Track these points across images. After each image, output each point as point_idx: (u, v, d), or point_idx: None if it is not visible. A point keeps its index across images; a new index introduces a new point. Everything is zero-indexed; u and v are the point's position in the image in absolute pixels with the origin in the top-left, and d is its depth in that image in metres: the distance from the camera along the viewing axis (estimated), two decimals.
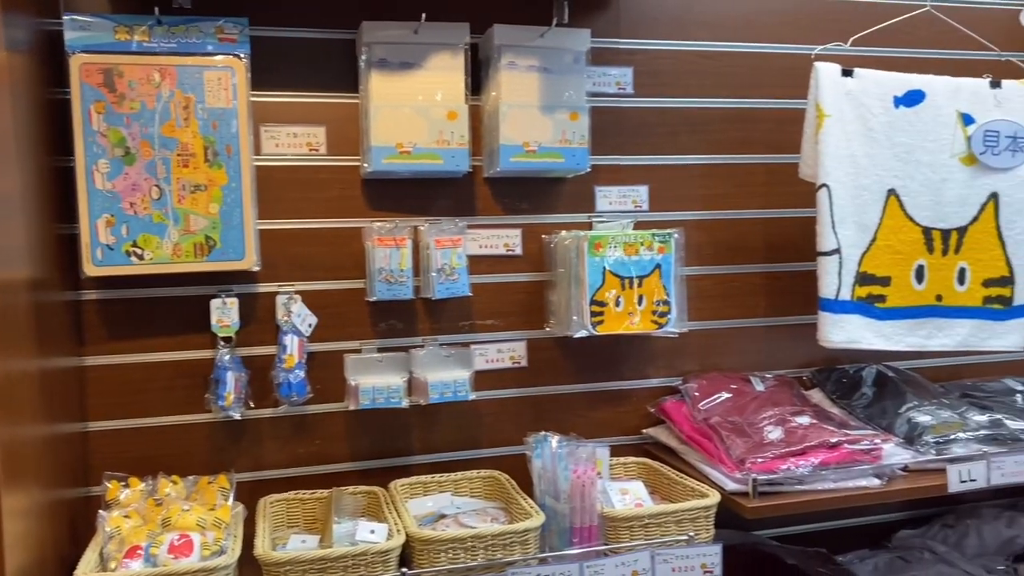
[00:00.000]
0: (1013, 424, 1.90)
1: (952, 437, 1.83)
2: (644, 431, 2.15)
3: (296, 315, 1.82)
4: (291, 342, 1.81)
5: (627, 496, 1.74)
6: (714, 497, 1.73)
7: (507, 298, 2.07)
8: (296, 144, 1.92)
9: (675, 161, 2.18)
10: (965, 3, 2.33)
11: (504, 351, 2.07)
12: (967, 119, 2.05)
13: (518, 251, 2.07)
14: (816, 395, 2.18)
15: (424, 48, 1.87)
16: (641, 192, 2.15)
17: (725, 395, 2.04)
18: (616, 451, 2.10)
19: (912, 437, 1.86)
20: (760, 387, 2.09)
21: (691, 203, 2.19)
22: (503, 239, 2.06)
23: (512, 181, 2.05)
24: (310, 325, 1.86)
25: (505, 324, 2.07)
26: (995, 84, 2.07)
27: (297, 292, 1.88)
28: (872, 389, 2.12)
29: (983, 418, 1.93)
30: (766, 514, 1.71)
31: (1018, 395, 2.18)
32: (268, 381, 1.86)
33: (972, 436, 1.84)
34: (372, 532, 1.62)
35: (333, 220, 1.94)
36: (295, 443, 1.95)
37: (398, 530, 1.61)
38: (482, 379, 2.03)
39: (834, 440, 1.77)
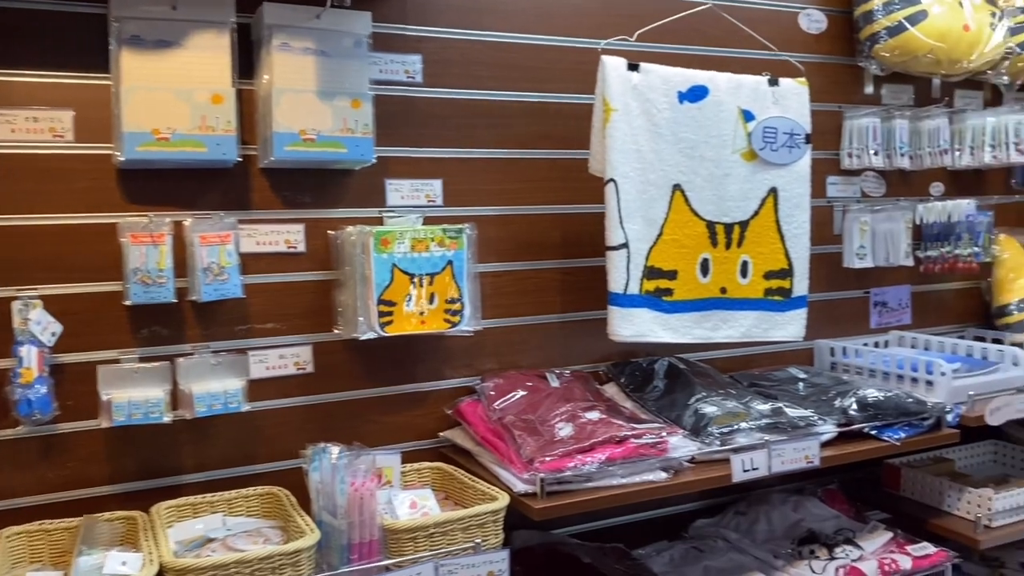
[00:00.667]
0: (792, 412, 1.96)
1: (736, 427, 1.86)
2: (441, 434, 2.07)
3: (35, 323, 1.61)
4: (28, 353, 1.59)
5: (415, 506, 1.65)
6: (502, 500, 1.67)
7: (290, 299, 1.93)
8: (37, 129, 1.70)
9: (470, 154, 2.11)
10: (747, 3, 2.40)
11: (288, 356, 1.93)
12: (748, 116, 2.10)
13: (301, 248, 1.93)
14: (610, 389, 2.18)
15: (185, 26, 1.70)
16: (435, 186, 2.07)
17: (521, 393, 1.99)
18: (412, 456, 2.02)
19: (698, 428, 1.88)
20: (555, 383, 2.06)
21: (487, 198, 2.14)
22: (284, 235, 1.92)
23: (293, 173, 1.91)
24: (53, 334, 1.65)
25: (289, 327, 1.93)
26: (773, 82, 2.14)
27: (38, 297, 1.66)
28: (664, 381, 2.14)
29: (766, 407, 1.99)
30: (554, 514, 1.67)
31: (800, 383, 2.27)
32: (4, 398, 1.63)
33: (755, 425, 1.88)
34: (124, 564, 1.45)
35: (82, 215, 1.73)
36: (43, 467, 1.73)
37: (151, 560, 1.44)
38: (263, 388, 1.89)
39: (621, 435, 1.76)
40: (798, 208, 2.16)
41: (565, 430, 1.82)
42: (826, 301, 2.60)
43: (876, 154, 2.51)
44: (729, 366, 2.45)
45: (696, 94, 2.05)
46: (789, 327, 2.17)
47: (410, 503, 1.64)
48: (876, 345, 2.65)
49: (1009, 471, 2.64)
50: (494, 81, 2.12)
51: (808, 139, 2.16)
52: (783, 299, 2.16)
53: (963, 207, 2.53)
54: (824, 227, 2.58)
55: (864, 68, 2.55)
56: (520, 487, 1.70)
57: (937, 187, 2.76)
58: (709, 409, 1.94)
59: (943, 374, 2.19)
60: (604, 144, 1.97)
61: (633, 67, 2.00)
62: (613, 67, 1.97)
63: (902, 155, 2.56)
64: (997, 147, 2.62)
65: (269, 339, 1.91)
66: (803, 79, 2.17)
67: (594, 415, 1.86)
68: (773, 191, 2.14)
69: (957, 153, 2.70)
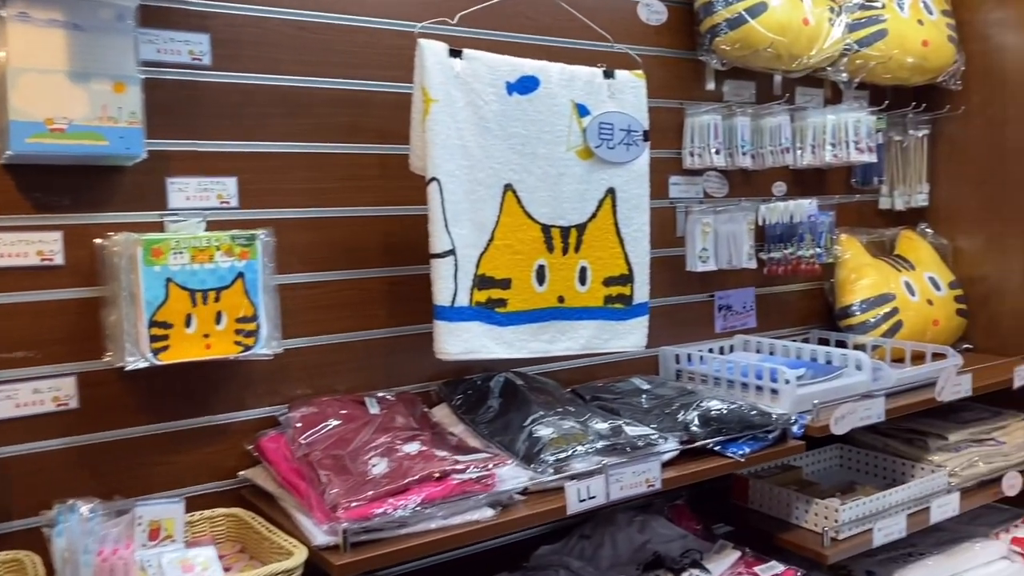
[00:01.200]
0: (632, 431, 1.80)
1: (572, 451, 1.68)
2: (240, 474, 1.79)
3: None
4: None
5: (189, 569, 1.38)
6: (299, 555, 1.42)
7: (46, 322, 1.61)
8: None
9: (271, 148, 1.85)
10: None
11: (44, 391, 1.61)
12: (582, 110, 1.93)
13: (59, 260, 1.61)
14: (441, 412, 1.97)
15: None
16: (228, 185, 1.79)
17: (333, 423, 1.75)
18: (207, 501, 1.74)
19: (531, 455, 1.69)
20: (375, 410, 1.82)
21: (293, 198, 1.87)
22: (36, 245, 1.59)
23: (44, 170, 1.59)
24: None
25: (45, 356, 1.61)
26: (609, 74, 1.97)
27: None
28: (499, 400, 1.94)
29: (605, 426, 1.82)
30: (362, 569, 1.43)
31: (644, 395, 2.12)
32: None
33: (592, 448, 1.71)
34: None
35: None
36: None
37: None
38: (12, 429, 1.57)
39: (441, 471, 1.54)
40: (637, 210, 2.01)
41: (379, 467, 1.58)
42: (671, 306, 2.48)
43: (718, 153, 2.41)
44: (573, 378, 2.29)
45: (526, 85, 1.86)
46: (631, 336, 2.02)
47: (183, 566, 1.36)
48: (721, 350, 2.55)
49: (855, 476, 2.61)
50: (299, 66, 1.86)
51: (646, 136, 2.01)
52: (624, 307, 2.00)
53: (805, 207, 2.46)
54: (667, 229, 2.45)
55: (705, 63, 2.44)
56: (321, 539, 1.46)
57: (780, 187, 2.69)
58: (544, 432, 1.76)
59: (787, 382, 2.10)
60: (425, 138, 1.75)
61: (455, 53, 1.78)
62: (432, 53, 1.75)
63: (744, 154, 2.47)
64: (837, 145, 2.58)
65: (18, 371, 1.58)
66: (640, 71, 2.02)
67: (413, 447, 1.64)
68: (611, 192, 1.98)
69: (799, 152, 2.65)
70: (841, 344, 2.70)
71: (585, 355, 2.18)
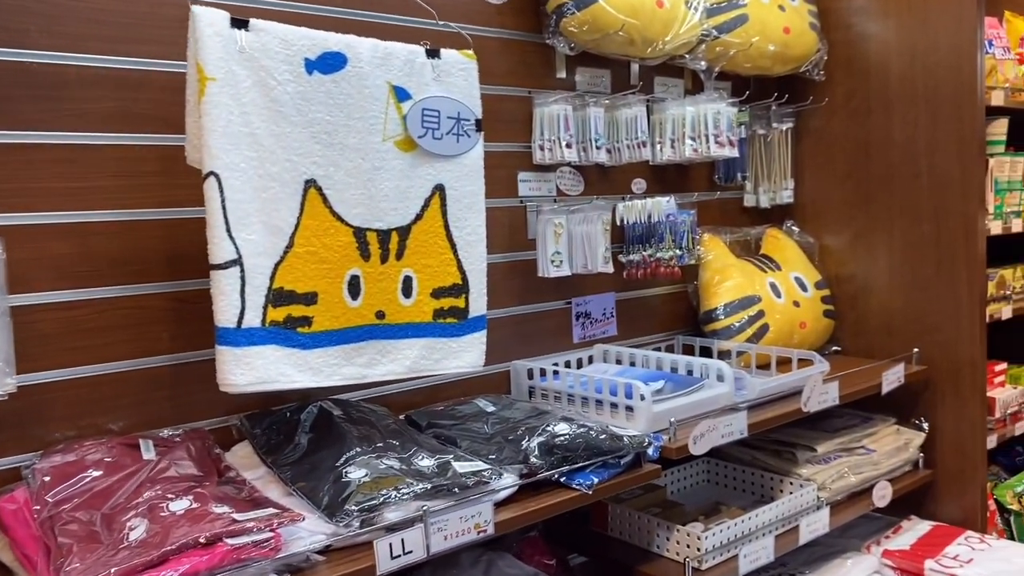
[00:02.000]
0: (462, 467, 1.55)
1: (383, 498, 1.41)
2: None
3: None
4: None
5: None
6: None
7: None
8: None
9: (15, 140, 1.50)
10: None
11: None
12: (402, 94, 1.67)
13: None
14: (241, 451, 1.67)
15: None
16: None
17: (93, 475, 1.42)
18: None
19: (335, 506, 1.41)
20: (150, 454, 1.51)
21: (46, 200, 1.54)
22: None
23: None
24: None
25: None
26: (433, 53, 1.71)
27: None
28: (309, 436, 1.66)
29: (430, 462, 1.56)
30: None
31: (488, 419, 1.88)
32: None
33: (410, 492, 1.44)
34: None
35: None
36: None
37: None
38: None
39: (212, 534, 1.24)
40: (471, 210, 1.76)
41: (137, 531, 1.27)
42: (524, 315, 2.25)
43: (569, 147, 2.19)
44: (411, 401, 2.02)
45: (330, 64, 1.58)
46: (466, 355, 1.77)
47: None
48: (580, 362, 2.33)
49: (724, 493, 2.44)
50: (52, 38, 1.53)
51: (479, 126, 1.76)
52: (458, 321, 1.75)
53: (663, 206, 2.27)
54: (517, 231, 2.22)
55: (555, 47, 2.21)
56: None
57: (639, 184, 2.50)
58: (355, 474, 1.48)
59: (643, 399, 1.89)
60: (200, 124, 1.44)
61: (240, 24, 1.49)
62: (209, 22, 1.45)
63: (598, 148, 2.26)
64: (697, 139, 2.40)
65: None
66: (470, 52, 1.77)
67: (182, 504, 1.33)
68: (439, 189, 1.72)
69: (658, 146, 2.46)
70: (706, 350, 2.53)
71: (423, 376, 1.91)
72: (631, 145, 2.31)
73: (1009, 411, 2.96)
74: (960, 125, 2.48)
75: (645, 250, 2.33)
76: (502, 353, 2.19)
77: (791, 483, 2.27)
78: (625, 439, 1.74)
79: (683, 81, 2.60)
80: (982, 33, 2.46)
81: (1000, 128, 2.96)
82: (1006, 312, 2.86)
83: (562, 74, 2.30)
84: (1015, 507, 2.94)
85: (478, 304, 1.77)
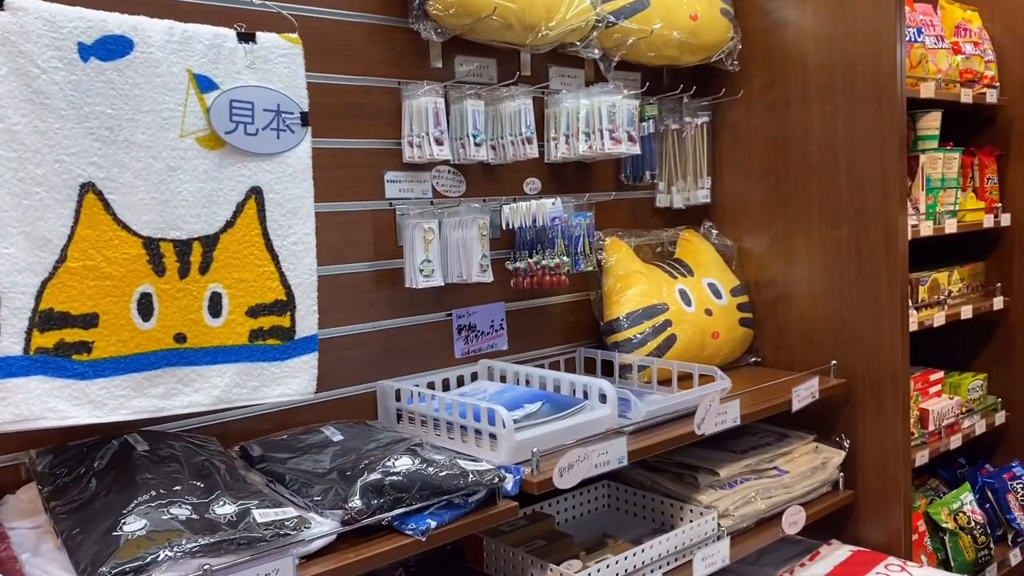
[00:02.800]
0: (262, 515, 1.34)
1: (151, 558, 1.20)
2: None
3: None
4: None
5: None
6: None
7: None
8: None
9: None
10: None
11: None
12: (205, 83, 1.46)
13: None
14: (27, 495, 1.45)
15: None
16: None
17: None
18: None
19: (91, 568, 1.20)
20: None
21: None
22: None
23: None
24: None
25: None
26: (246, 37, 1.50)
27: None
28: (101, 477, 1.44)
29: (230, 509, 1.35)
30: None
31: (330, 450, 1.67)
32: None
33: (187, 549, 1.23)
34: None
35: None
36: None
37: None
38: None
39: None
40: (296, 216, 1.55)
41: None
42: (397, 329, 2.04)
43: (440, 143, 1.98)
44: (255, 428, 1.81)
45: (111, 49, 1.37)
46: (292, 381, 1.56)
47: None
48: (460, 380, 2.13)
49: (621, 520, 2.24)
50: None
51: (306, 119, 1.55)
52: (281, 343, 1.54)
53: (548, 208, 2.06)
54: (386, 237, 2.01)
55: (424, 34, 2.00)
56: None
57: (532, 184, 2.29)
58: (132, 527, 1.27)
59: (504, 425, 1.68)
60: None
61: None
62: None
63: (477, 145, 2.05)
64: (592, 135, 2.20)
65: None
66: (294, 35, 1.56)
67: None
68: (255, 192, 1.51)
69: (553, 143, 2.26)
70: (608, 364, 2.33)
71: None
72: (516, 142, 2.10)
73: (945, 423, 2.79)
74: (879, 119, 2.29)
75: (531, 257, 2.12)
76: (370, 372, 1.99)
77: (691, 510, 2.08)
78: (471, 475, 1.53)
79: (583, 72, 2.40)
80: (902, 20, 2.27)
81: (932, 122, 2.78)
82: (939, 318, 2.68)
83: (437, 63, 2.09)
84: (950, 526, 2.77)
85: (307, 323, 1.56)
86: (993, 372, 3.07)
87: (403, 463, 1.53)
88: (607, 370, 2.34)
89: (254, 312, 1.50)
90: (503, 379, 2.13)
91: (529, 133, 2.09)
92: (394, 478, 1.48)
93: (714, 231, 2.67)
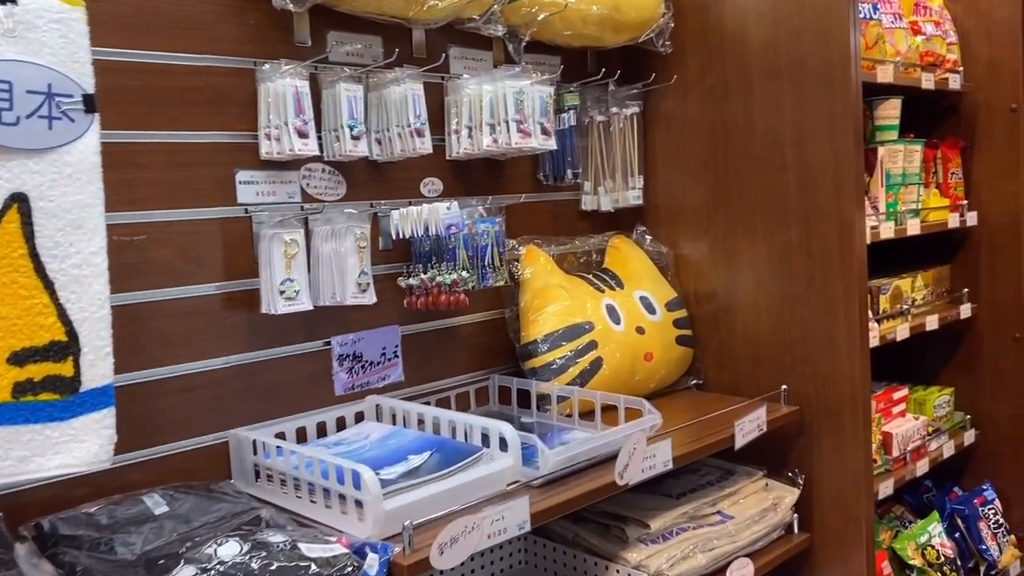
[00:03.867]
0: None
1: None
2: None
3: None
4: None
5: None
6: None
7: None
8: None
9: None
10: None
11: None
12: None
13: None
14: None
15: None
16: None
17: None
18: None
19: None
20: None
21: None
22: None
23: None
24: None
25: None
26: None
27: None
28: None
29: None
30: None
31: (146, 528, 1.31)
32: None
33: None
34: None
35: None
36: None
37: None
38: None
39: None
40: (79, 230, 1.18)
41: None
42: (261, 363, 1.68)
43: (304, 135, 1.62)
44: (71, 496, 1.44)
45: None
46: (79, 447, 1.19)
47: None
48: (340, 423, 1.77)
49: None
50: None
51: (91, 104, 1.19)
52: (60, 398, 1.17)
53: (442, 213, 1.72)
54: (241, 251, 1.65)
55: (278, 2, 1.64)
56: None
57: (432, 185, 1.95)
58: None
59: (371, 491, 1.33)
60: None
61: None
62: None
63: (355, 138, 1.70)
64: (497, 127, 1.86)
65: None
66: None
67: None
68: (17, 201, 1.14)
69: (454, 136, 1.92)
70: (525, 394, 2.00)
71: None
72: (403, 134, 1.75)
73: (910, 447, 2.49)
74: (831, 105, 1.98)
75: (426, 272, 1.78)
76: (223, 418, 1.63)
77: (617, 572, 1.75)
78: (315, 566, 1.18)
79: (491, 54, 2.06)
80: None
81: (891, 110, 2.48)
82: (902, 331, 2.38)
83: (304, 40, 1.73)
84: (918, 563, 2.47)
85: (97, 370, 1.20)
86: (960, 385, 2.78)
87: (228, 551, 1.18)
88: (524, 400, 2.01)
89: (19, 358, 1.14)
90: (395, 419, 1.78)
91: (419, 124, 1.74)
92: (228, 563, 1.12)
93: (647, 236, 2.34)
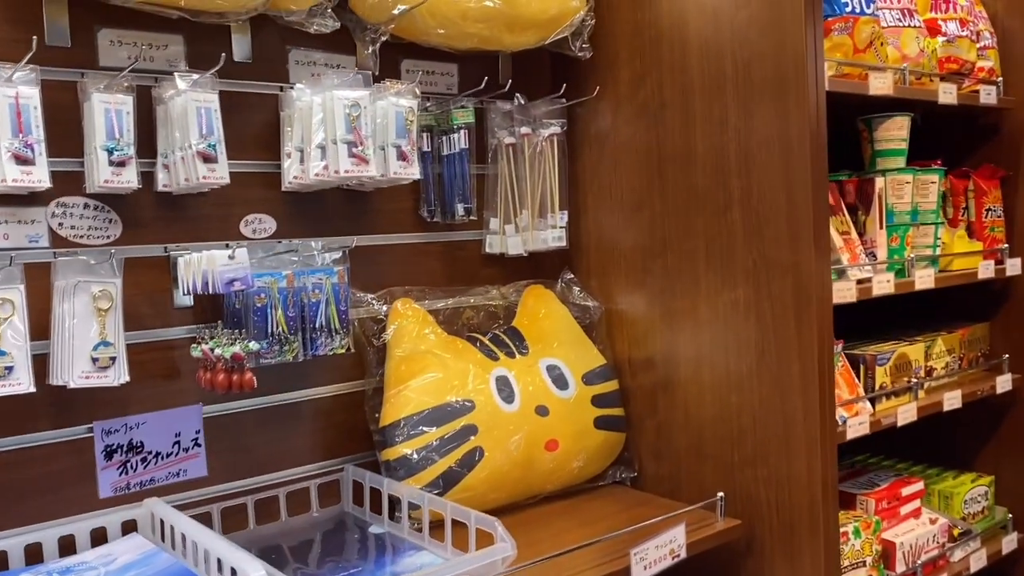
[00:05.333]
0: None
1: None
2: None
3: None
4: None
5: None
6: None
7: None
8: None
9: None
10: None
11: None
12: None
13: None
14: None
15: None
16: None
17: None
18: None
19: None
20: None
21: None
22: None
23: None
24: None
25: None
26: None
27: None
28: None
29: None
30: None
31: None
32: None
33: None
34: None
35: None
36: None
37: None
38: None
39: None
40: None
41: None
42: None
43: (25, 161, 1.22)
44: None
45: None
46: None
47: None
48: (102, 536, 1.35)
49: None
50: None
51: None
52: None
53: (219, 262, 1.29)
54: None
55: None
56: None
57: (259, 223, 1.53)
58: None
59: None
60: None
61: None
62: None
63: (117, 164, 1.29)
64: (327, 148, 1.43)
65: None
66: None
67: None
68: None
69: (287, 161, 1.50)
70: (377, 495, 1.55)
71: None
72: (187, 159, 1.34)
73: (922, 559, 1.93)
74: (784, 123, 1.49)
75: (212, 341, 1.35)
76: None
77: None
78: None
79: (354, 59, 1.63)
80: None
81: (896, 131, 1.96)
82: (906, 413, 1.83)
83: (60, 39, 1.34)
84: None
85: None
86: (1002, 473, 2.19)
87: None
88: (375, 504, 1.56)
89: None
90: (173, 533, 1.35)
91: (204, 146, 1.33)
92: None
93: (575, 287, 1.87)
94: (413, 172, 1.49)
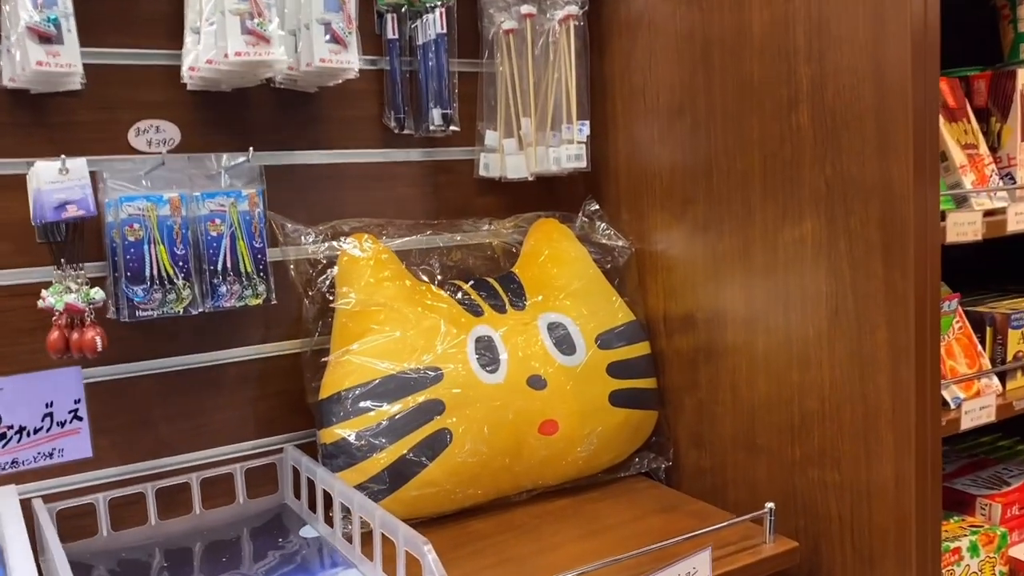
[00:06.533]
0: None
1: None
2: None
3: None
4: None
5: None
6: None
7: None
8: None
9: None
10: None
11: None
12: None
13: None
14: None
15: None
16: None
17: None
18: None
19: None
20: None
21: None
22: None
23: None
24: None
25: None
26: None
27: None
28: None
29: None
30: None
31: None
32: None
33: None
34: None
35: None
36: None
37: None
38: None
39: None
40: None
41: None
42: None
43: None
44: None
45: None
46: None
47: None
48: None
49: None
50: None
51: None
52: None
53: (44, 182, 0.93)
54: None
55: None
56: None
57: (156, 132, 1.17)
58: None
59: None
60: None
61: None
62: None
63: None
64: (218, 23, 1.05)
65: None
66: None
67: None
68: None
69: (186, 46, 1.13)
70: (314, 487, 1.19)
71: None
72: (19, 38, 0.98)
73: None
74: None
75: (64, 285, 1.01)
76: None
77: None
78: None
79: None
80: None
81: None
82: None
83: None
84: None
85: None
86: None
87: None
88: (312, 502, 1.20)
89: None
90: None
91: (41, 20, 0.96)
92: None
93: (600, 222, 1.44)
94: (349, 60, 1.10)
